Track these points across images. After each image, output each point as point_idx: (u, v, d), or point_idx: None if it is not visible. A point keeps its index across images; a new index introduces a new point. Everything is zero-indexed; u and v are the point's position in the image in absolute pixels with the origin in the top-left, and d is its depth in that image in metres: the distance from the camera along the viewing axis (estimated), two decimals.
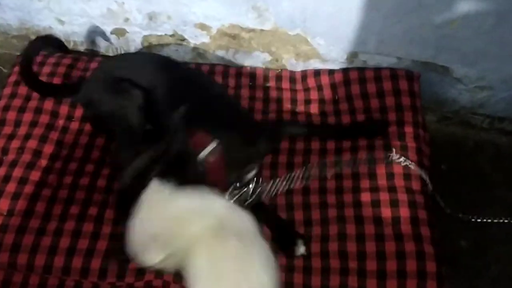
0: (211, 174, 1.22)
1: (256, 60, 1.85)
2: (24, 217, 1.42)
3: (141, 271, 1.32)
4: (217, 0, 1.67)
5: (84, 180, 1.52)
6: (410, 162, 1.45)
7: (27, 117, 1.62)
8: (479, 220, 1.51)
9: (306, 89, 1.71)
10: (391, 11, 1.54)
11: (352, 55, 1.73)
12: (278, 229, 1.40)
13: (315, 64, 1.78)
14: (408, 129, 1.53)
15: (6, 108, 1.64)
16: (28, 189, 1.47)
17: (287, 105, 1.68)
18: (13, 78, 1.71)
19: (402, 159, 1.45)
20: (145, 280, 1.32)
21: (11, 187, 1.47)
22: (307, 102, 1.68)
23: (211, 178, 1.21)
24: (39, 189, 1.48)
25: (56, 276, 1.34)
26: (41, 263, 1.34)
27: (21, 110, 1.64)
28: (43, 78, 1.70)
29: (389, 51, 1.68)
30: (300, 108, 1.67)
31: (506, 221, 1.51)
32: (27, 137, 1.57)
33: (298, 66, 1.80)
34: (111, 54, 1.99)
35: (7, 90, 1.68)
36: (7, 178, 1.49)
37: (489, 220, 1.51)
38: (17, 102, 1.65)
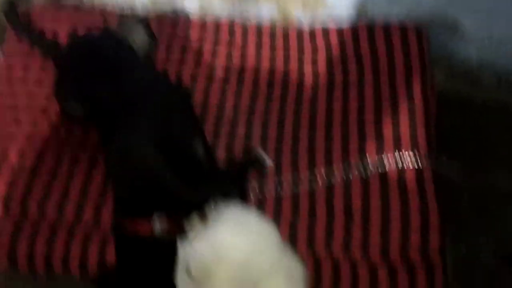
0: None
1: (263, 12, 1.80)
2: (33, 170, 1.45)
3: None
4: None
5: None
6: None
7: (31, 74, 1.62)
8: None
9: (314, 48, 1.69)
10: None
11: (361, 6, 1.70)
12: None
13: (323, 15, 1.74)
14: (416, 88, 1.53)
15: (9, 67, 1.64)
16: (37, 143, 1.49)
17: (294, 64, 1.67)
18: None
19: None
20: None
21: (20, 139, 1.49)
22: (315, 61, 1.67)
23: None
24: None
25: (66, 226, 1.38)
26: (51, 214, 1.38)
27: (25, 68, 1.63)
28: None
29: (399, 4, 1.66)
30: (308, 67, 1.66)
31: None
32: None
33: (306, 19, 1.77)
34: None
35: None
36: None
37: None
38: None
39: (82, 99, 1.36)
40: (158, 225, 1.05)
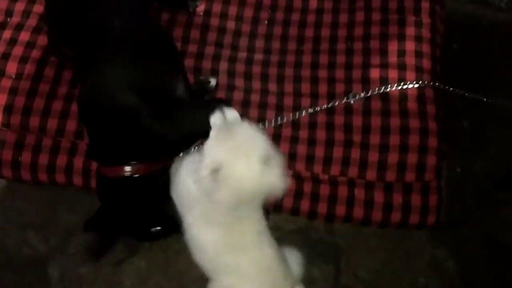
0: None
1: None
2: (33, 80, 1.42)
3: None
4: None
5: None
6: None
7: None
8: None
9: None
10: None
11: None
12: None
13: None
14: (425, 4, 1.48)
15: None
16: (36, 53, 1.45)
17: None
18: None
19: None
20: None
21: (18, 50, 1.45)
22: None
23: None
24: (47, 55, 1.45)
25: (68, 139, 1.38)
26: (53, 127, 1.38)
27: None
28: None
29: None
30: None
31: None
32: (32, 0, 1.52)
33: None
34: None
35: None
36: (13, 41, 1.46)
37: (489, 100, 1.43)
38: None
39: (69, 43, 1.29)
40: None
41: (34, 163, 1.37)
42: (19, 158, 1.37)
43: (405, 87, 1.29)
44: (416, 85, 1.31)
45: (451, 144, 1.50)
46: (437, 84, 1.37)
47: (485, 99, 1.29)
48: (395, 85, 1.34)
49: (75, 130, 1.37)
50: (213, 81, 1.43)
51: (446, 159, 1.41)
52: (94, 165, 1.35)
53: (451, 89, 1.38)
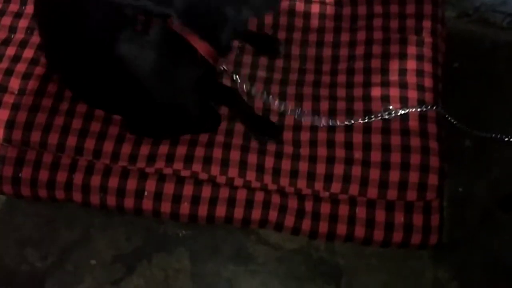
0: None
1: None
2: (36, 96, 1.42)
3: (152, 158, 1.36)
4: None
5: None
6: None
7: None
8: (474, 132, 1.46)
9: None
10: None
11: None
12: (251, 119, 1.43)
13: None
14: (426, 23, 1.48)
15: None
16: (39, 70, 1.46)
17: None
18: None
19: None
20: (155, 166, 1.36)
21: (21, 67, 1.46)
22: None
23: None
24: (50, 72, 1.46)
25: (69, 155, 1.38)
26: (54, 142, 1.38)
27: None
28: None
29: None
30: None
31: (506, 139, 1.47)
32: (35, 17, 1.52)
33: None
34: None
35: None
36: (17, 58, 1.47)
37: (493, 135, 1.45)
38: None
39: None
40: None
41: (34, 179, 1.37)
42: (20, 174, 1.37)
43: (407, 110, 1.32)
44: (419, 109, 1.33)
45: (453, 163, 1.50)
46: (438, 108, 1.38)
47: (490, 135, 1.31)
48: (398, 109, 1.36)
49: (75, 146, 1.37)
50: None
51: (448, 178, 1.41)
52: (94, 181, 1.35)
53: (454, 122, 1.39)
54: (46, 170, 1.37)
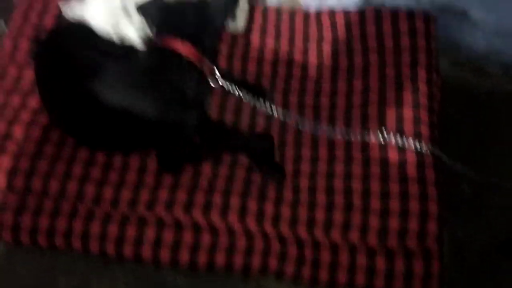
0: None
1: None
2: (38, 144, 1.45)
3: (152, 204, 1.37)
4: None
5: None
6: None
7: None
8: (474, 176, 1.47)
9: (320, 27, 1.68)
10: None
11: None
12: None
13: (330, 1, 1.73)
14: (421, 72, 1.52)
15: (17, 35, 1.62)
16: (43, 118, 1.49)
17: (299, 44, 1.66)
18: (23, 6, 1.68)
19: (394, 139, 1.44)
20: (155, 213, 1.37)
21: (25, 115, 1.49)
22: (320, 40, 1.66)
23: None
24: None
25: (69, 201, 1.39)
26: (55, 189, 1.39)
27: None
28: (55, 8, 1.66)
29: None
30: (312, 45, 1.65)
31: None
32: None
33: (313, 3, 1.75)
34: None
35: (17, 16, 1.65)
36: (21, 107, 1.50)
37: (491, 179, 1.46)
38: (28, 30, 1.63)
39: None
40: None
41: (34, 226, 1.37)
42: (20, 221, 1.37)
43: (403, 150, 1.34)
44: (415, 148, 1.36)
45: (452, 209, 1.50)
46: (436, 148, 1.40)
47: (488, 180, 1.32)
48: (394, 148, 1.39)
49: (76, 192, 1.38)
50: None
51: (447, 224, 1.41)
52: (93, 228, 1.35)
53: (451, 165, 1.41)
54: (46, 217, 1.38)
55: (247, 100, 1.47)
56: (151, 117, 1.34)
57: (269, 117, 1.51)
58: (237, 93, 1.46)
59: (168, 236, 1.36)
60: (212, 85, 1.43)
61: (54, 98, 1.41)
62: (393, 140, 1.42)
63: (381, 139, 1.42)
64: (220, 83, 1.44)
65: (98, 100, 1.31)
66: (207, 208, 1.36)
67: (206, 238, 1.36)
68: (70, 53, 1.38)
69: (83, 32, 1.42)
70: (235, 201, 1.37)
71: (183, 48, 1.35)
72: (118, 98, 1.32)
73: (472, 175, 1.38)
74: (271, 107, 1.48)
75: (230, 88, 1.45)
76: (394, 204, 1.35)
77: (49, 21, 1.65)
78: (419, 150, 1.40)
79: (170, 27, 1.37)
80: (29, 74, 1.55)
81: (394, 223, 1.33)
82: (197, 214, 1.35)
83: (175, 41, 1.35)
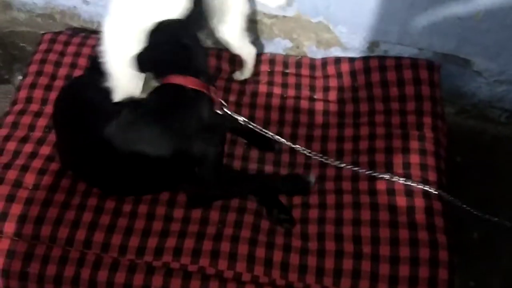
0: None
1: (277, 46, 1.86)
2: (49, 191, 1.46)
3: (160, 251, 1.36)
4: None
5: None
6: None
7: (54, 95, 1.64)
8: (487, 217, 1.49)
9: (326, 76, 1.73)
10: (416, 1, 1.55)
11: (374, 44, 1.74)
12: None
13: (335, 52, 1.80)
14: (427, 119, 1.54)
15: (33, 86, 1.68)
16: (54, 166, 1.51)
17: (305, 92, 1.70)
18: (38, 56, 1.75)
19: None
20: (163, 260, 1.36)
21: (37, 163, 1.51)
22: (326, 89, 1.70)
23: None
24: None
25: (77, 249, 1.38)
26: (63, 236, 1.39)
27: (48, 88, 1.68)
28: (68, 58, 1.74)
29: (410, 42, 1.69)
30: (319, 95, 1.69)
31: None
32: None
33: (319, 54, 1.82)
34: None
35: (33, 68, 1.72)
36: (34, 154, 1.53)
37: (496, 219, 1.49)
38: (43, 80, 1.69)
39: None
40: None
41: (41, 274, 1.36)
42: (27, 269, 1.36)
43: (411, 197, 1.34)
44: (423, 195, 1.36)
45: (462, 257, 1.48)
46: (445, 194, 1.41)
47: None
48: (402, 195, 1.39)
49: (84, 239, 1.38)
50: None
51: (458, 272, 1.39)
52: (101, 276, 1.34)
53: (459, 203, 1.42)
54: (54, 264, 1.37)
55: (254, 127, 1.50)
56: (170, 154, 1.36)
57: (276, 163, 1.53)
58: (243, 122, 1.49)
59: (175, 284, 1.34)
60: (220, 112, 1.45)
61: (71, 143, 1.45)
62: (401, 186, 1.42)
63: (389, 185, 1.43)
64: (228, 112, 1.46)
65: (113, 146, 1.35)
66: (214, 256, 1.35)
67: (213, 286, 1.34)
68: (85, 100, 1.45)
69: (98, 80, 1.47)
70: (243, 249, 1.36)
71: (186, 81, 1.37)
72: (133, 140, 1.35)
73: (485, 217, 1.37)
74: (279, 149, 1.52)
75: (238, 118, 1.48)
76: (404, 251, 1.33)
77: (63, 72, 1.72)
78: (427, 195, 1.40)
79: (164, 67, 1.39)
80: (41, 122, 1.59)
81: (404, 270, 1.31)
82: (205, 262, 1.35)
83: (177, 77, 1.38)
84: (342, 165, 1.48)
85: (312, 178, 1.47)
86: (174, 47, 1.39)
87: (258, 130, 1.50)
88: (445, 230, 1.36)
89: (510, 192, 1.64)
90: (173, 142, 1.36)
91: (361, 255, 1.34)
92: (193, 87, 1.37)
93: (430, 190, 1.40)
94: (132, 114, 1.37)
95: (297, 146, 1.52)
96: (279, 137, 1.51)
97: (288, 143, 1.51)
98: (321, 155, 1.51)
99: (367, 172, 1.45)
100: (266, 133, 1.50)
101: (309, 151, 1.52)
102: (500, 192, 1.64)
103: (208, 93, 1.40)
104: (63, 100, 1.51)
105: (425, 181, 1.43)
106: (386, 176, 1.44)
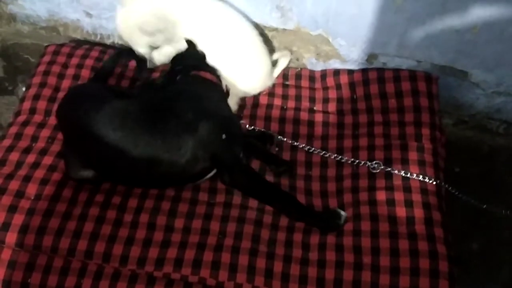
0: None
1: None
2: (51, 201, 1.47)
3: (160, 262, 1.37)
4: None
5: None
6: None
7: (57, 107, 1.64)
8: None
9: (325, 88, 1.75)
10: (414, 14, 1.57)
11: (372, 57, 1.76)
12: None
13: (335, 65, 1.82)
14: (425, 131, 1.55)
15: (36, 97, 1.70)
16: (56, 176, 1.52)
17: (305, 103, 1.72)
18: (41, 68, 1.77)
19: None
20: (163, 271, 1.36)
21: (40, 173, 1.52)
22: (325, 100, 1.72)
23: None
24: (67, 177, 1.52)
25: (79, 259, 1.39)
26: (65, 246, 1.39)
27: (51, 100, 1.69)
28: (72, 70, 1.76)
29: (409, 54, 1.71)
30: (318, 106, 1.71)
31: None
32: (57, 127, 1.62)
33: (318, 66, 1.84)
34: None
35: (36, 80, 1.74)
36: (36, 165, 1.54)
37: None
38: (46, 91, 1.71)
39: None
40: None
41: (43, 285, 1.36)
42: (29, 280, 1.37)
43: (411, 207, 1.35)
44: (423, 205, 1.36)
45: (462, 268, 1.49)
46: (446, 185, 1.43)
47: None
48: (402, 205, 1.40)
49: (85, 249, 1.39)
50: None
51: (458, 283, 1.39)
52: (102, 287, 1.35)
53: (459, 194, 1.42)
54: (56, 275, 1.37)
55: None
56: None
57: (277, 174, 1.55)
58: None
59: None
60: None
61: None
62: (400, 197, 1.43)
63: (388, 196, 1.44)
64: None
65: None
66: (215, 267, 1.36)
67: None
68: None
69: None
70: (243, 260, 1.37)
71: (209, 75, 1.57)
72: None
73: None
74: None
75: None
76: (404, 261, 1.33)
77: (66, 83, 1.74)
78: (427, 206, 1.41)
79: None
80: (45, 133, 1.61)
81: (404, 281, 1.31)
82: (205, 273, 1.35)
83: (203, 72, 1.57)
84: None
85: (344, 213, 1.45)
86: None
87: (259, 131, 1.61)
88: (445, 241, 1.37)
89: (508, 203, 1.64)
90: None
91: (361, 265, 1.35)
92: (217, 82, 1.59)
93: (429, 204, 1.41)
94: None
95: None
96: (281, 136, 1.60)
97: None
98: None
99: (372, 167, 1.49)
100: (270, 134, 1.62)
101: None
102: (498, 202, 1.65)
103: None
104: (67, 104, 1.54)
105: (424, 191, 1.43)
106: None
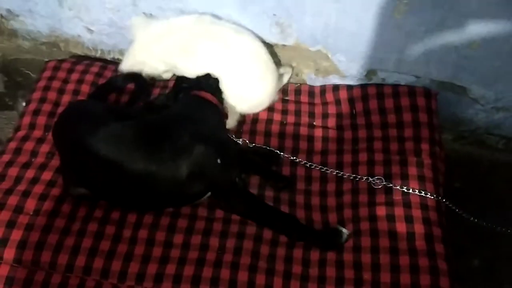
0: None
1: None
2: (49, 217, 1.46)
3: (159, 278, 1.36)
4: (242, 14, 1.72)
5: None
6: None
7: None
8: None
9: (324, 103, 1.75)
10: (413, 31, 1.58)
11: (371, 73, 1.77)
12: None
13: (334, 80, 1.82)
14: (425, 146, 1.56)
15: (36, 112, 1.70)
16: (55, 191, 1.52)
17: (305, 118, 1.72)
18: (42, 83, 1.77)
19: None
20: (162, 287, 1.35)
21: (39, 188, 1.52)
22: (325, 116, 1.72)
23: None
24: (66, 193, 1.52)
25: (77, 275, 1.38)
26: (63, 262, 1.38)
27: (51, 115, 1.70)
28: (72, 85, 1.77)
29: (408, 70, 1.72)
30: (318, 121, 1.71)
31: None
32: None
33: (317, 81, 1.85)
34: None
35: (36, 95, 1.75)
36: (35, 180, 1.54)
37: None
38: (46, 107, 1.71)
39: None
40: None
41: None
42: None
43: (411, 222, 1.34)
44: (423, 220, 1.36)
45: (463, 284, 1.48)
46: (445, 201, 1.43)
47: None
48: (402, 221, 1.39)
49: (84, 265, 1.38)
50: None
51: None
52: None
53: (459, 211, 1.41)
54: None
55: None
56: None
57: (292, 203, 1.54)
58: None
59: None
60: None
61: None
62: (401, 212, 1.43)
63: (389, 211, 1.43)
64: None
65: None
66: (214, 283, 1.35)
67: None
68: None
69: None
70: (243, 276, 1.36)
71: (210, 96, 1.60)
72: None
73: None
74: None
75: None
76: (405, 278, 1.33)
77: (66, 99, 1.74)
78: (427, 221, 1.40)
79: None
80: (44, 149, 1.61)
81: None
82: None
83: (204, 93, 1.60)
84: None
85: (346, 230, 1.44)
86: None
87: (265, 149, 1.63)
88: (446, 257, 1.36)
89: (508, 218, 1.64)
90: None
91: (361, 282, 1.34)
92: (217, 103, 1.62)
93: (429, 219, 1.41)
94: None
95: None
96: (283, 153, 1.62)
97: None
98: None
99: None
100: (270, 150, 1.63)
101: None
102: (498, 217, 1.64)
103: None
104: (62, 124, 1.55)
105: (424, 207, 1.43)
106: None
